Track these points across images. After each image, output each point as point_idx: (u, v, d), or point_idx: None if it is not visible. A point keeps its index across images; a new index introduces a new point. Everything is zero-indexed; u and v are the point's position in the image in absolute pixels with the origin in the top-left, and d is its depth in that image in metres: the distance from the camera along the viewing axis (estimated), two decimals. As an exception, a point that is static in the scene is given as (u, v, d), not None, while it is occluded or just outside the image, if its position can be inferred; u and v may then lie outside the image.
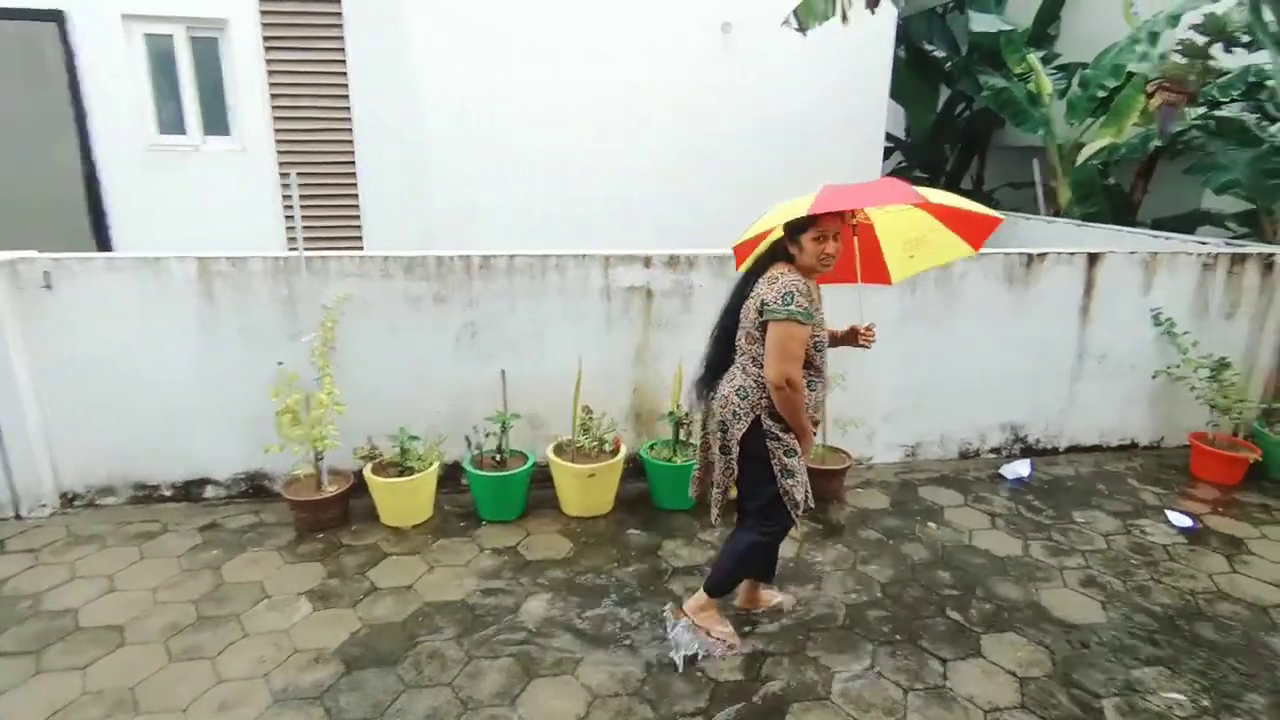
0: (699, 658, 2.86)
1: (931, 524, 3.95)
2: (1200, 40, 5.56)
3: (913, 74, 8.94)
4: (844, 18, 5.53)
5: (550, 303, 4.10)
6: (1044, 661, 2.91)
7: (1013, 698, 2.71)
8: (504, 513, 3.87)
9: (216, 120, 6.30)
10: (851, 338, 2.90)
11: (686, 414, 4.04)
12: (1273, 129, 6.10)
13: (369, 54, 6.24)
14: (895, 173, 9.34)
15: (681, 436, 4.08)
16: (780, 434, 2.64)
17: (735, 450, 2.70)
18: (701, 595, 2.95)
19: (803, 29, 5.67)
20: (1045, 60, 7.65)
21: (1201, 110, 6.26)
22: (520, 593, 3.29)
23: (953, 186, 9.51)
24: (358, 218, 6.48)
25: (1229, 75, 6.21)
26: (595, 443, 3.94)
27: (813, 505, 2.82)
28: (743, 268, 2.85)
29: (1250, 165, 5.68)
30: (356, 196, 6.44)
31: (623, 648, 2.94)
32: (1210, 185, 5.94)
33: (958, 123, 9.40)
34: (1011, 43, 7.42)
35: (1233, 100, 6.37)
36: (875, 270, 3.00)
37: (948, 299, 4.42)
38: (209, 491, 4.04)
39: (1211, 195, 6.24)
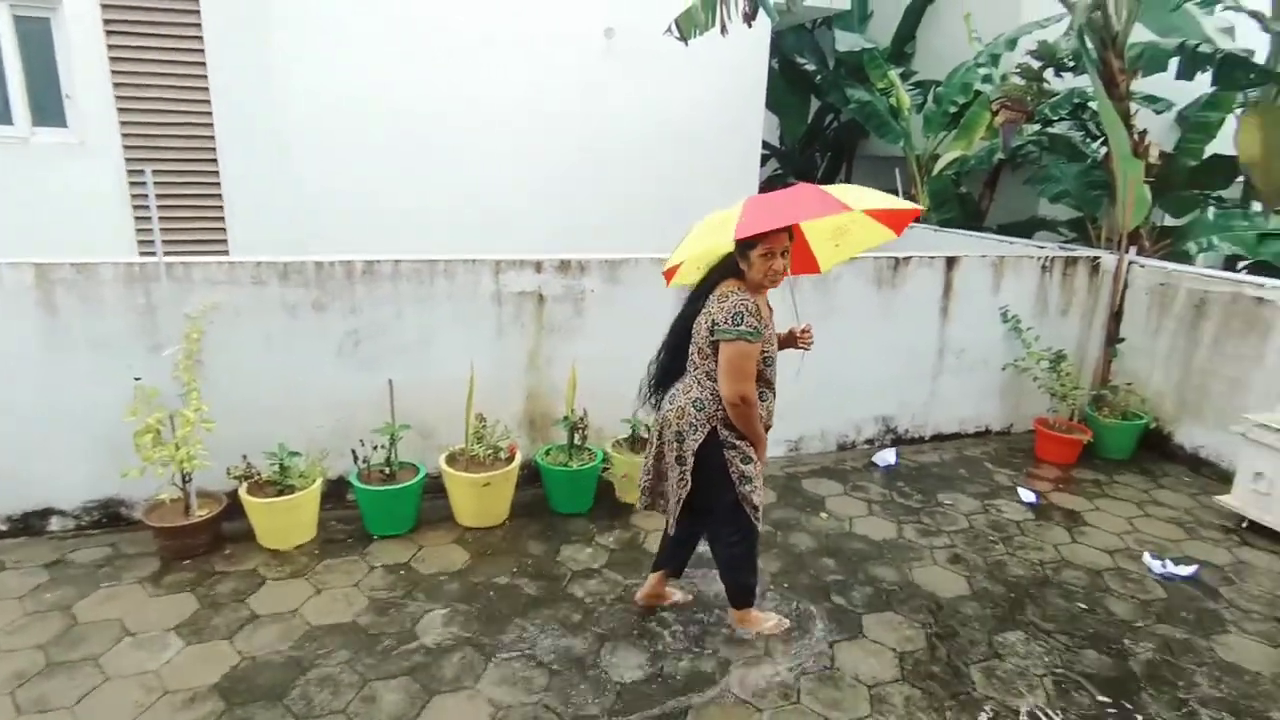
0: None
1: (824, 513, 4.17)
2: (1035, 64, 6.18)
3: (786, 85, 9.37)
4: (723, 29, 5.72)
5: (439, 309, 4.00)
6: (919, 636, 3.14)
7: (894, 672, 2.92)
8: (395, 527, 3.74)
9: (50, 110, 5.67)
10: (791, 341, 2.98)
11: (581, 418, 4.06)
12: (1095, 145, 6.88)
13: (231, 44, 5.81)
14: (771, 179, 9.75)
15: (576, 441, 4.09)
16: (736, 442, 2.71)
17: (690, 461, 2.73)
18: (733, 613, 3.09)
19: (684, 38, 5.82)
20: (904, 77, 8.24)
21: (1037, 127, 6.96)
22: (416, 609, 3.19)
23: (824, 193, 10.05)
24: (221, 220, 6.03)
25: (1058, 96, 6.94)
26: (489, 451, 3.89)
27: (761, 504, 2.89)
28: (677, 281, 2.90)
29: (1077, 177, 6.39)
30: (220, 197, 5.99)
31: (524, 657, 2.92)
32: (1045, 195, 6.62)
33: (827, 133, 9.95)
34: (873, 60, 7.94)
35: (1062, 119, 7.13)
36: (804, 262, 3.02)
37: (824, 301, 4.68)
38: (54, 523, 3.65)
39: (1047, 203, 6.95)
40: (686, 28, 5.79)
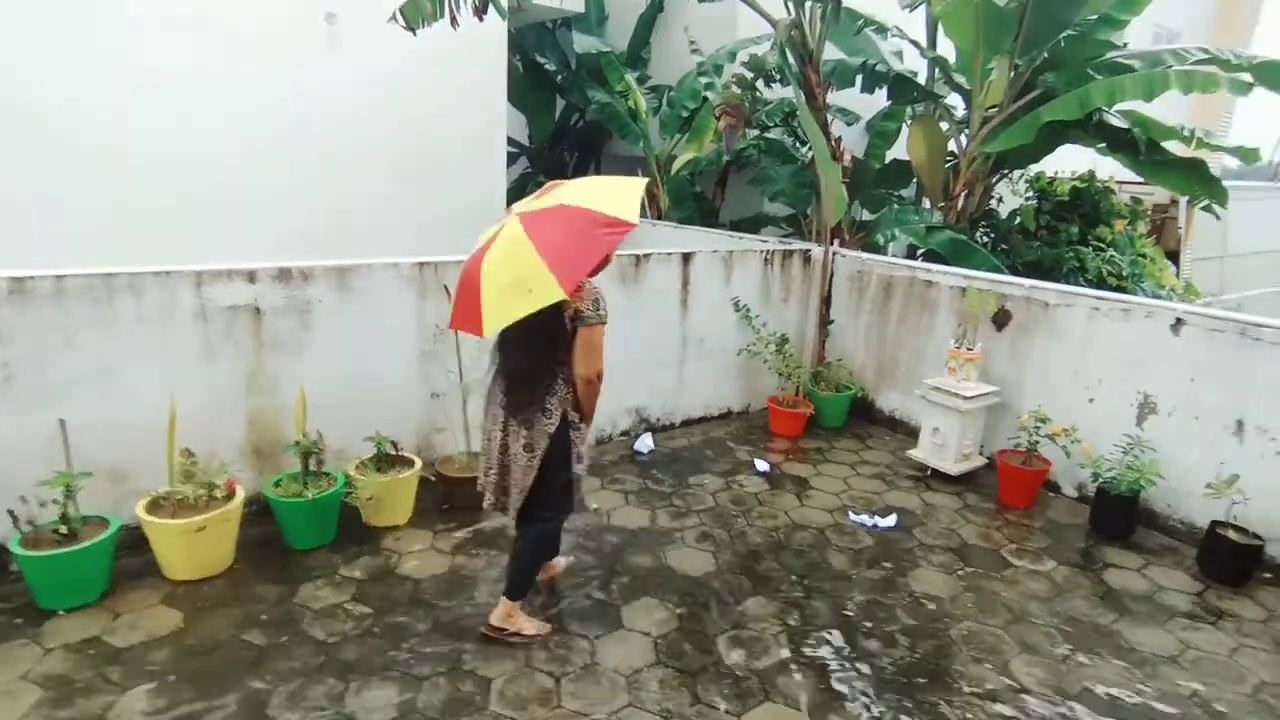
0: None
1: (595, 505, 4.22)
2: (748, 75, 6.78)
3: (530, 84, 9.38)
4: (453, 21, 5.53)
5: (125, 332, 3.40)
6: (672, 617, 3.30)
7: (649, 657, 3.03)
8: (78, 596, 3.12)
9: None
10: None
11: (315, 442, 3.70)
12: (803, 149, 7.74)
13: None
14: (522, 178, 9.72)
15: (311, 467, 3.72)
16: (580, 424, 2.95)
17: (543, 445, 2.84)
18: (504, 603, 3.07)
19: (411, 28, 5.53)
20: (640, 81, 8.64)
21: (756, 132, 7.66)
22: (112, 691, 2.69)
23: (575, 191, 10.24)
24: None
25: (772, 105, 7.71)
26: (202, 490, 3.39)
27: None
28: (496, 325, 2.64)
29: (791, 178, 7.14)
30: None
31: (253, 720, 2.59)
32: (766, 194, 7.32)
33: (574, 132, 10.13)
34: (611, 63, 8.22)
35: (776, 125, 7.93)
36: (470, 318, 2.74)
37: (571, 300, 4.73)
38: None
39: (769, 201, 7.69)
40: (412, 17, 5.49)
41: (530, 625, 3.12)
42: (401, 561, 3.63)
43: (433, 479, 4.16)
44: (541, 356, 2.85)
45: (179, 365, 3.54)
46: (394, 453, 4.03)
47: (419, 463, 4.05)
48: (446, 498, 4.16)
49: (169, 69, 5.66)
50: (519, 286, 2.56)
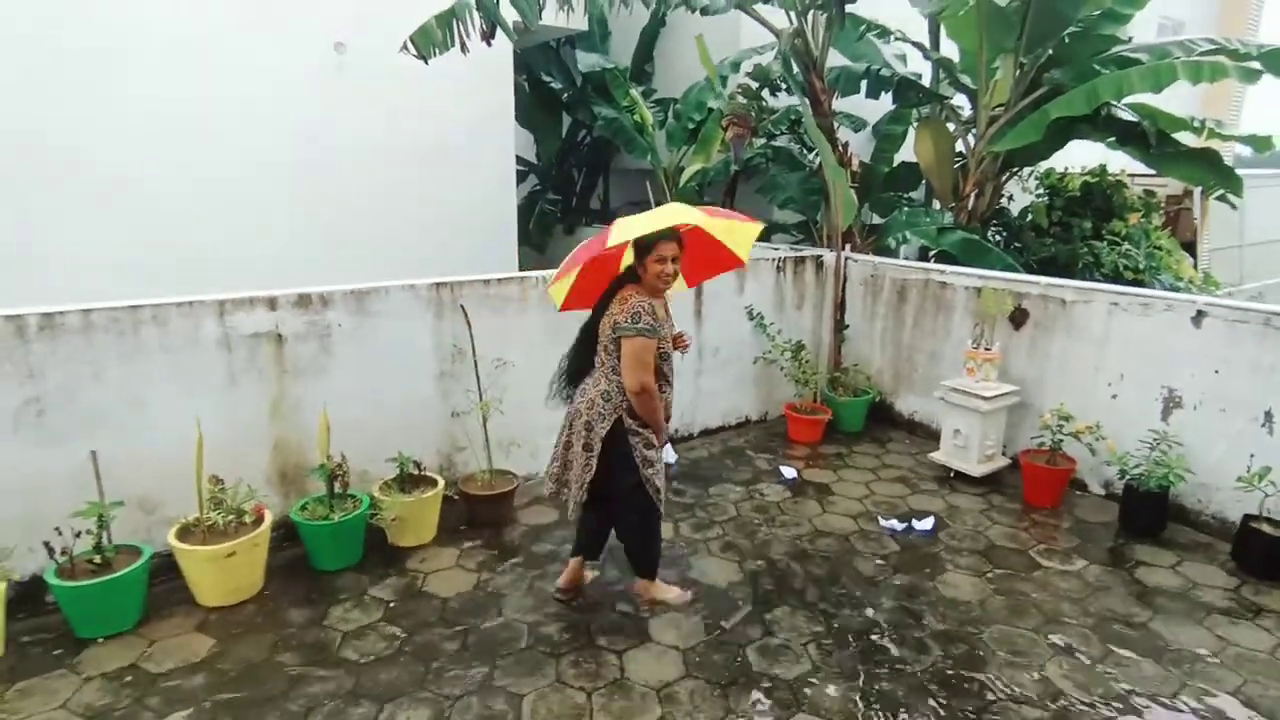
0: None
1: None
2: (753, 85, 6.81)
3: (537, 103, 9.47)
4: (463, 47, 5.62)
5: (151, 362, 3.46)
6: (700, 629, 3.29)
7: (678, 670, 3.03)
8: (114, 625, 3.16)
9: None
10: (673, 344, 3.26)
11: (339, 464, 3.73)
12: (810, 156, 7.76)
13: None
14: (531, 196, 9.80)
15: (336, 489, 3.75)
16: (639, 429, 3.07)
17: (597, 447, 3.03)
18: (643, 582, 3.40)
19: (423, 57, 5.62)
20: (645, 95, 8.69)
21: (763, 141, 7.69)
22: (149, 718, 2.72)
23: (584, 206, 10.31)
24: None
25: (778, 113, 7.74)
26: (231, 516, 3.43)
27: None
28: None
29: (799, 185, 7.15)
30: None
31: (289, 744, 2.60)
32: (774, 202, 7.33)
33: (581, 148, 10.21)
34: (616, 78, 8.28)
35: (782, 133, 7.95)
36: (722, 259, 3.55)
37: (585, 316, 4.75)
38: None
39: (778, 209, 7.70)
40: (424, 46, 5.58)
41: (669, 594, 3.43)
42: (428, 581, 3.65)
43: (455, 498, 4.18)
44: (581, 360, 3.17)
45: (204, 394, 3.59)
46: (417, 473, 4.06)
47: (441, 482, 4.08)
48: (469, 516, 4.18)
49: (178, 102, 5.75)
50: (650, 220, 2.96)
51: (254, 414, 3.76)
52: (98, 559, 3.18)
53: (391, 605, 3.44)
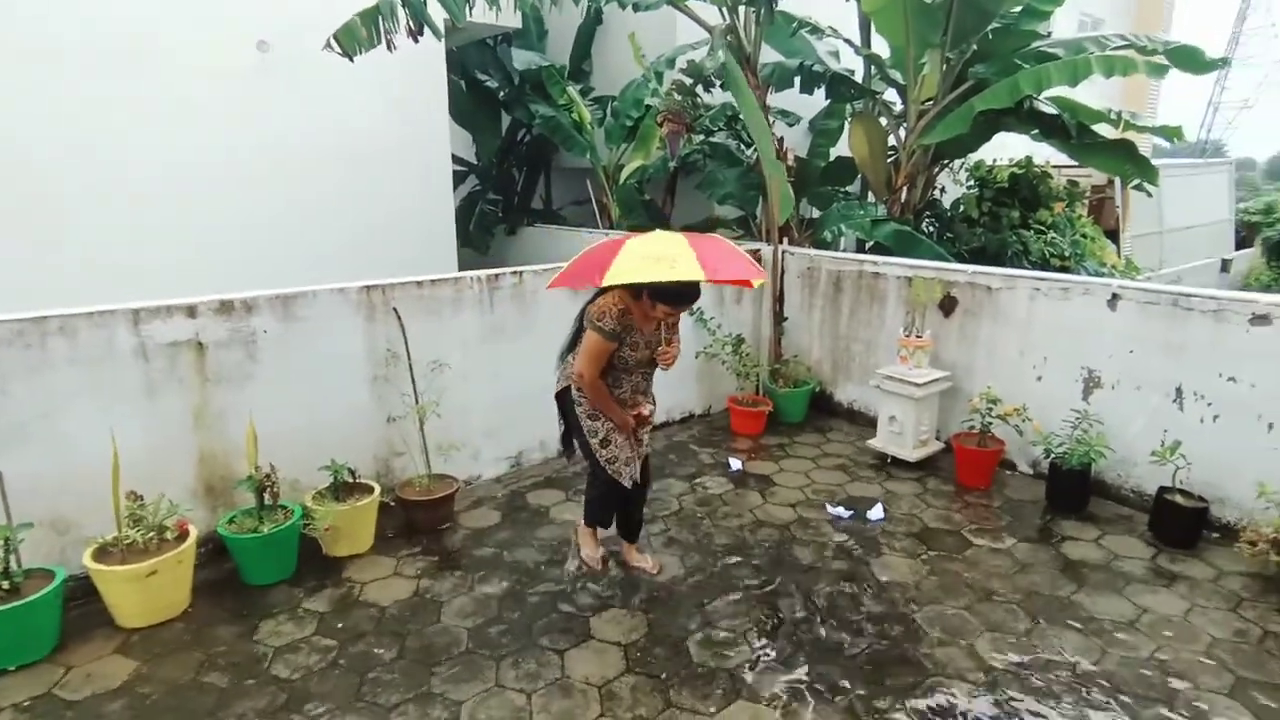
0: (576, 570, 3.70)
1: (566, 517, 4.19)
2: (688, 81, 6.84)
3: (474, 102, 9.35)
4: (389, 45, 5.50)
5: (59, 376, 3.29)
6: (642, 624, 3.29)
7: (620, 666, 3.02)
8: (26, 653, 3.00)
9: None
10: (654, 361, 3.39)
11: (268, 475, 3.62)
12: (748, 151, 7.84)
13: None
14: (470, 196, 9.67)
15: (266, 501, 3.64)
16: (581, 400, 3.36)
17: (556, 403, 3.51)
18: (580, 522, 3.81)
19: (348, 55, 5.49)
20: (583, 93, 8.66)
21: (700, 138, 7.74)
22: (62, 748, 2.60)
23: (525, 206, 10.21)
24: None
25: (714, 110, 7.79)
26: (151, 533, 3.29)
27: (636, 478, 3.47)
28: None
29: (737, 180, 7.22)
30: None
31: (215, 765, 2.51)
32: (713, 198, 7.39)
33: (521, 147, 10.12)
34: (553, 77, 8.23)
35: (720, 129, 8.01)
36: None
37: (523, 315, 4.72)
38: None
39: (718, 205, 7.76)
40: (348, 44, 5.45)
41: (588, 550, 3.75)
42: (365, 590, 3.57)
43: (393, 504, 4.10)
44: (571, 343, 3.43)
45: (120, 407, 3.43)
46: (351, 480, 3.96)
47: (378, 489, 3.99)
48: (407, 522, 4.11)
49: (89, 102, 5.50)
50: (661, 260, 2.88)
51: (176, 426, 3.62)
52: (5, 585, 3.01)
53: (326, 617, 3.35)
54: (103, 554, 3.25)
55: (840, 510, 4.31)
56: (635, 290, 3.14)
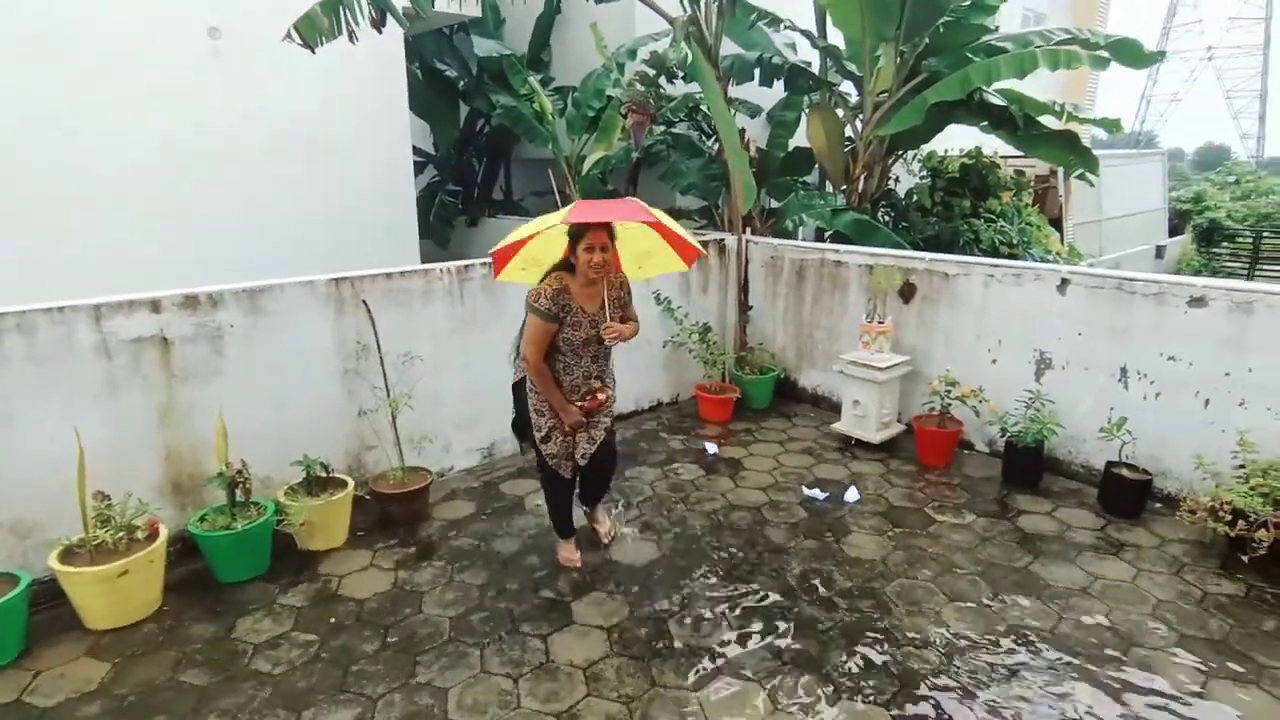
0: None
1: (537, 503, 4.22)
2: (650, 72, 6.88)
3: (432, 91, 9.21)
4: (351, 37, 5.40)
5: (17, 374, 3.20)
6: (623, 607, 3.36)
7: (603, 649, 3.08)
8: (-10, 660, 2.93)
9: None
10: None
11: (239, 471, 3.56)
12: (710, 142, 7.92)
13: None
14: (430, 187, 9.56)
15: (238, 497, 3.59)
16: (533, 391, 3.40)
17: (514, 395, 3.58)
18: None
19: (309, 46, 5.37)
20: (543, 83, 8.62)
21: (663, 128, 7.79)
22: (38, 753, 2.54)
23: (485, 197, 10.14)
24: None
25: (676, 100, 7.85)
26: (121, 533, 3.22)
27: (582, 463, 3.50)
28: (503, 278, 3.54)
29: (700, 171, 7.30)
30: None
31: (201, 762, 2.50)
32: (676, 188, 7.46)
33: (480, 137, 10.03)
34: (513, 66, 8.17)
35: (682, 120, 8.08)
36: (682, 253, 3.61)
37: (494, 306, 4.72)
38: None
39: (680, 195, 7.83)
40: (309, 34, 5.32)
41: (563, 551, 3.72)
42: (342, 584, 3.55)
43: (367, 497, 4.08)
44: (521, 331, 3.39)
45: (82, 405, 3.35)
46: (325, 475, 3.93)
47: (351, 483, 3.97)
48: (382, 515, 4.09)
49: (43, 99, 5.28)
50: (539, 219, 3.20)
51: (141, 424, 3.54)
52: (-33, 590, 2.93)
53: (304, 611, 3.34)
54: (69, 556, 3.18)
55: (816, 492, 4.43)
56: (570, 266, 3.23)
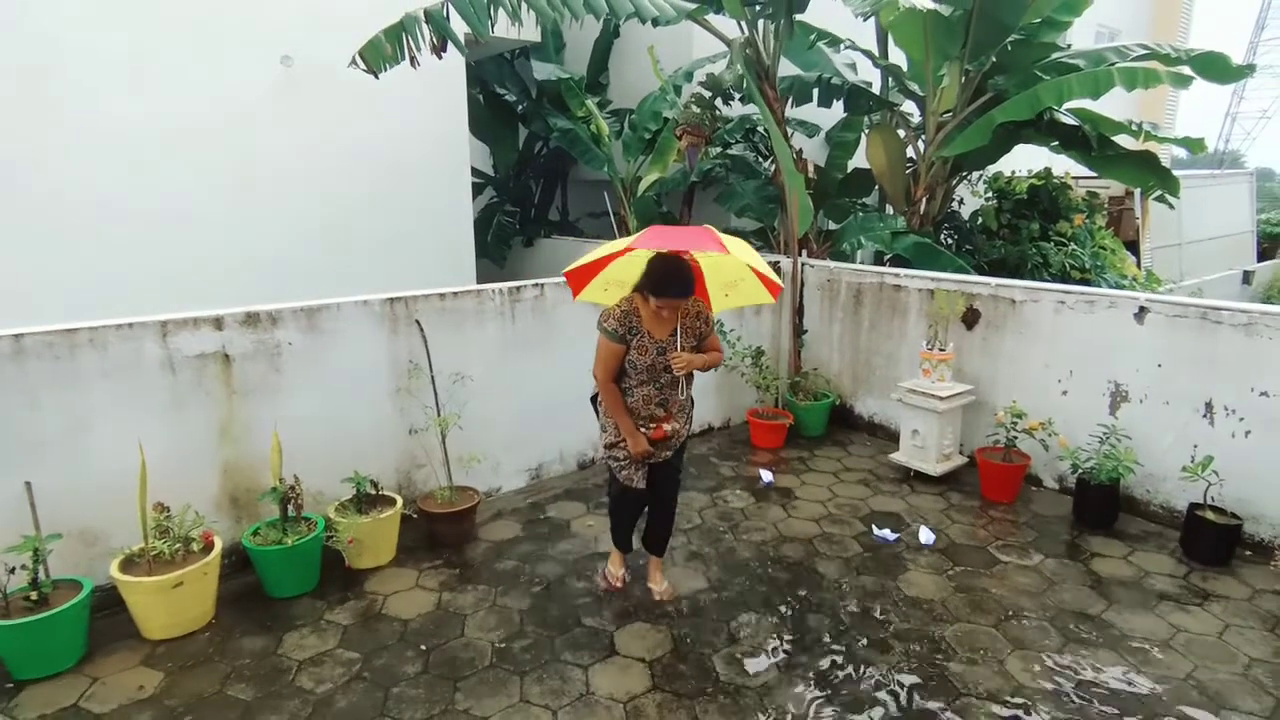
0: (599, 587, 3.69)
1: (589, 524, 4.17)
2: (706, 94, 6.87)
3: (492, 115, 9.41)
4: (413, 61, 5.55)
5: (91, 388, 3.33)
6: (666, 640, 3.27)
7: (645, 683, 2.99)
8: (51, 664, 3.01)
9: None
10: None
11: (292, 487, 3.63)
12: (766, 164, 7.84)
13: None
14: (488, 208, 9.73)
15: (290, 513, 3.64)
16: (601, 414, 3.43)
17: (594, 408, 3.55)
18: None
19: (373, 71, 5.54)
20: (601, 106, 8.71)
21: (719, 150, 7.75)
22: (90, 760, 2.60)
23: (542, 218, 10.26)
24: None
25: (732, 122, 7.81)
26: (178, 544, 3.31)
27: (640, 485, 3.37)
28: (583, 298, 3.55)
29: (755, 193, 7.22)
30: None
31: (242, 779, 2.51)
32: (732, 210, 7.39)
33: (538, 159, 10.18)
34: (571, 89, 8.28)
35: (738, 142, 8.03)
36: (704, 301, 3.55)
37: (544, 327, 4.73)
38: None
39: (735, 217, 7.76)
40: (373, 60, 5.50)
41: (610, 567, 3.72)
42: (388, 603, 3.56)
43: (415, 516, 4.10)
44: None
45: (147, 418, 3.46)
46: (374, 492, 3.97)
47: (400, 501, 4.00)
48: (429, 535, 4.11)
49: (120, 121, 5.56)
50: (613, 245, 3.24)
51: (202, 438, 3.64)
52: (34, 595, 3.03)
53: (349, 630, 3.35)
54: (129, 565, 3.27)
55: (886, 533, 4.19)
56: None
